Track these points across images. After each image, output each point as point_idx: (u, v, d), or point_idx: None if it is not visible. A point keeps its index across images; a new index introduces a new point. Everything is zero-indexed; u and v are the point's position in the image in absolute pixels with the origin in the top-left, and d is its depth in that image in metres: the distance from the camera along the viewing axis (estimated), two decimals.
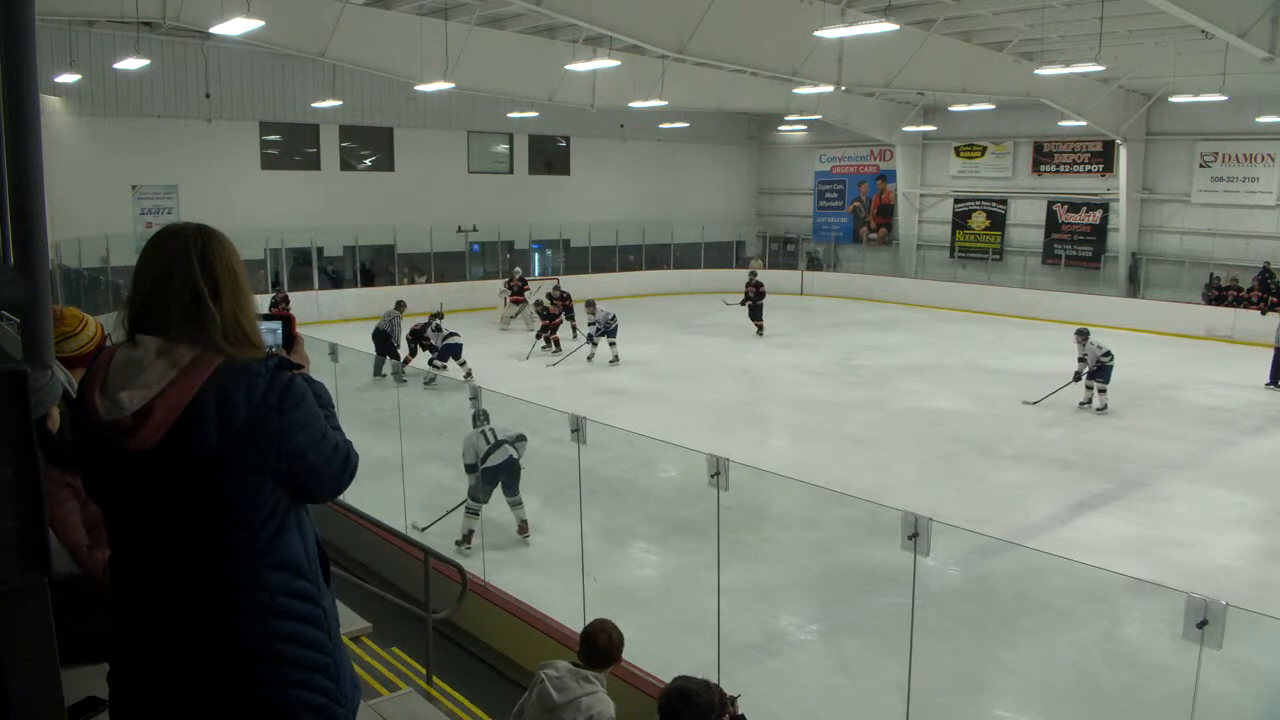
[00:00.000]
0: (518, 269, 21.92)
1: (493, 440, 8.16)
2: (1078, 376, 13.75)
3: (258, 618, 1.62)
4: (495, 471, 8.23)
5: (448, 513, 8.65)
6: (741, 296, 20.41)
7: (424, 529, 8.50)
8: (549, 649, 5.48)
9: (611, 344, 16.90)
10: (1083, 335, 13.98)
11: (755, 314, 20.09)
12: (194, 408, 1.54)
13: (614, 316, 16.89)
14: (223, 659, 1.61)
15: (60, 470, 2.53)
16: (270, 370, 1.62)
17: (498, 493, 8.38)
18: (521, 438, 8.34)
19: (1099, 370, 13.61)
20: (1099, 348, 13.63)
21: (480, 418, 8.30)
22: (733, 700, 3.73)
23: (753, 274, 20.81)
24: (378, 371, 14.98)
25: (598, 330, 16.84)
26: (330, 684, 1.71)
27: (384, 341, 15.32)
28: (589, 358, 16.97)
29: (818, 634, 7.38)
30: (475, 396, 8.16)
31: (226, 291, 1.63)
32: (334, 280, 23.16)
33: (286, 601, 1.65)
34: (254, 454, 1.59)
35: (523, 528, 8.50)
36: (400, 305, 16.04)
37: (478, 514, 8.25)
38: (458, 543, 8.21)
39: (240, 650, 1.62)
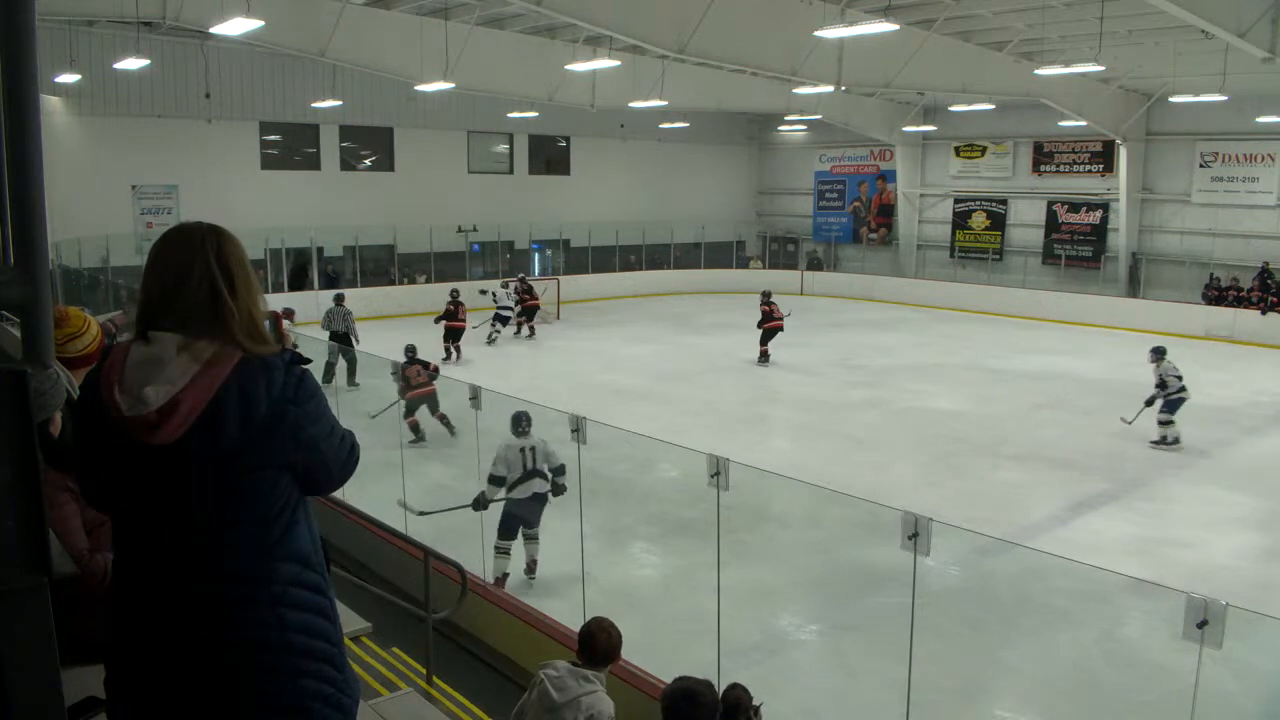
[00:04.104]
0: (521, 275, 21.59)
1: (531, 466, 7.44)
2: (1149, 402, 12.18)
3: (271, 609, 1.64)
4: (518, 505, 7.52)
5: (451, 509, 8.00)
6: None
7: (421, 514, 7.92)
8: (549, 649, 5.47)
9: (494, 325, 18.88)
10: (1157, 354, 12.49)
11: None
12: (217, 402, 1.57)
13: (508, 307, 19.21)
14: (237, 651, 1.63)
15: (60, 473, 2.53)
16: (286, 364, 1.66)
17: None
18: (561, 469, 7.56)
19: (1165, 400, 12.05)
20: (1172, 366, 12.21)
21: (522, 421, 7.51)
22: (756, 710, 3.73)
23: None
24: (329, 377, 13.03)
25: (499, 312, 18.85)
26: (338, 674, 1.74)
27: (345, 342, 14.93)
28: (490, 340, 18.59)
29: (818, 634, 7.38)
30: (475, 396, 7.71)
31: (241, 288, 1.66)
32: (333, 280, 23.12)
33: (297, 593, 1.68)
34: (272, 446, 1.62)
35: (531, 567, 7.77)
36: (340, 299, 16.04)
37: (508, 553, 7.65)
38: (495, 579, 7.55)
39: (254, 642, 1.64)
